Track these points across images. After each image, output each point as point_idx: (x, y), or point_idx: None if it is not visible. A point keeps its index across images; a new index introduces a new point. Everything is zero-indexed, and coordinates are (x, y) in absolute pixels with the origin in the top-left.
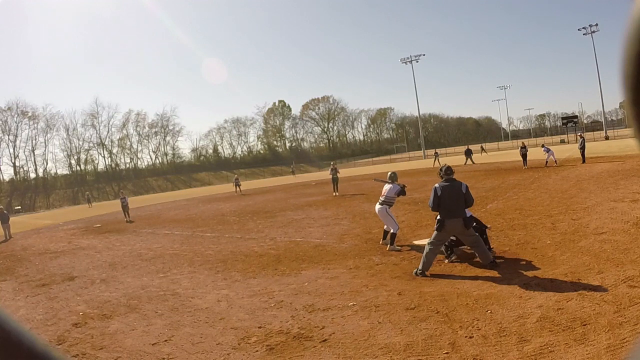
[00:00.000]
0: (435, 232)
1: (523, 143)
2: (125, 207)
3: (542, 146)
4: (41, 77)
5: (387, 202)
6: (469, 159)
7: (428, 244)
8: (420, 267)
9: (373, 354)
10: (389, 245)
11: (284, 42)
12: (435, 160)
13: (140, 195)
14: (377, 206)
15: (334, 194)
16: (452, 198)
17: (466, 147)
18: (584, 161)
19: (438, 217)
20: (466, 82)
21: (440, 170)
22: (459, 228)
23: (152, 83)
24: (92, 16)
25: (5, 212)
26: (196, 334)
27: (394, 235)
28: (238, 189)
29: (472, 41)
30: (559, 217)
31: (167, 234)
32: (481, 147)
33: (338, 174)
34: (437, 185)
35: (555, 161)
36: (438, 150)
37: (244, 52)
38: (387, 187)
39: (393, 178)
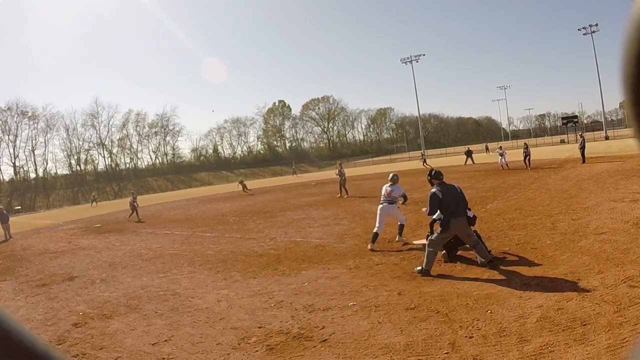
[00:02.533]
0: (439, 232)
1: (525, 144)
2: (133, 206)
3: (499, 148)
4: (41, 77)
5: (393, 202)
6: (469, 159)
7: (429, 243)
8: (424, 267)
9: (373, 354)
10: (398, 236)
11: (284, 42)
12: (423, 162)
13: (140, 195)
14: (384, 205)
15: (345, 196)
16: (453, 199)
17: (467, 148)
18: (583, 161)
19: (441, 219)
20: (466, 82)
21: (429, 174)
22: (464, 227)
23: (152, 83)
24: (92, 16)
25: (4, 212)
26: (196, 334)
27: (402, 226)
28: (244, 189)
29: (472, 41)
30: (559, 217)
31: (167, 234)
32: (485, 146)
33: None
34: (434, 190)
35: (503, 165)
36: (425, 152)
37: (244, 52)
38: (389, 188)
39: (395, 180)
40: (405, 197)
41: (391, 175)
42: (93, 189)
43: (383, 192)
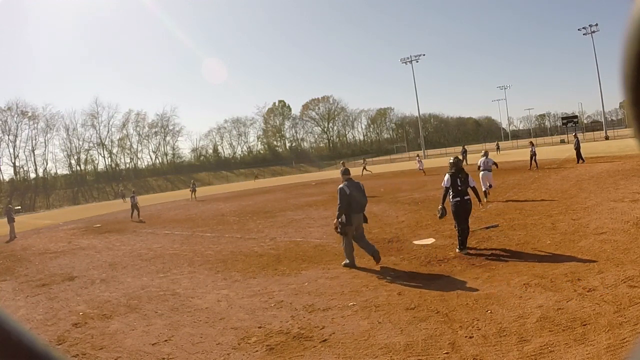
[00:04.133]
0: (343, 229)
1: (531, 142)
2: (134, 206)
3: (417, 156)
4: (41, 77)
5: (489, 169)
6: (464, 160)
7: (343, 242)
8: (348, 262)
9: (373, 354)
10: (484, 199)
11: (284, 42)
12: (363, 169)
13: (140, 195)
14: (484, 172)
15: None
16: (359, 195)
17: (462, 147)
18: (581, 161)
19: (342, 217)
20: (466, 82)
21: (341, 171)
22: (361, 221)
23: (152, 83)
24: (92, 16)
25: (12, 212)
26: (196, 334)
27: (490, 187)
28: (193, 194)
29: (472, 41)
30: (559, 217)
31: (167, 234)
32: (497, 144)
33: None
34: (342, 185)
35: (423, 170)
36: (365, 160)
37: (244, 52)
38: (484, 159)
39: (487, 154)
40: (496, 164)
41: (483, 151)
42: (93, 189)
43: (480, 163)
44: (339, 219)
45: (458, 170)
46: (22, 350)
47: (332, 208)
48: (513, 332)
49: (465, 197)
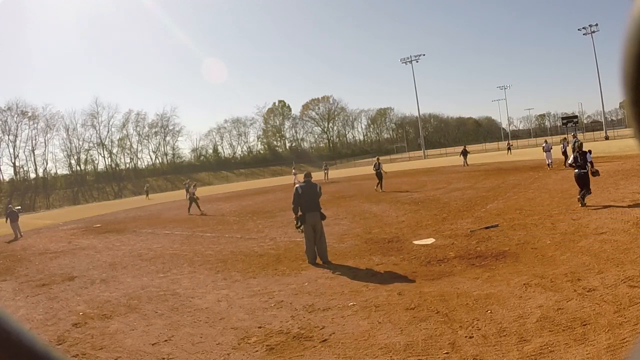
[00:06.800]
0: (301, 227)
1: (546, 140)
2: (192, 199)
3: (292, 169)
4: (41, 77)
5: (548, 150)
6: (465, 160)
7: (305, 241)
8: (309, 260)
9: (373, 354)
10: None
11: (284, 42)
12: (325, 174)
13: (139, 195)
14: (547, 153)
15: (377, 189)
16: (310, 195)
17: (463, 147)
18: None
19: (299, 215)
20: (466, 82)
21: (304, 174)
22: (317, 219)
23: (152, 83)
24: (92, 16)
25: (15, 211)
26: (196, 334)
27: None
28: (187, 195)
29: (472, 41)
30: (559, 217)
31: (167, 234)
32: (507, 144)
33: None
34: (297, 186)
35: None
36: (326, 163)
37: (244, 52)
38: (545, 145)
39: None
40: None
41: (544, 139)
42: (93, 189)
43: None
44: (296, 216)
45: (580, 152)
46: (23, 350)
47: (331, 208)
48: (513, 332)
49: (582, 171)
